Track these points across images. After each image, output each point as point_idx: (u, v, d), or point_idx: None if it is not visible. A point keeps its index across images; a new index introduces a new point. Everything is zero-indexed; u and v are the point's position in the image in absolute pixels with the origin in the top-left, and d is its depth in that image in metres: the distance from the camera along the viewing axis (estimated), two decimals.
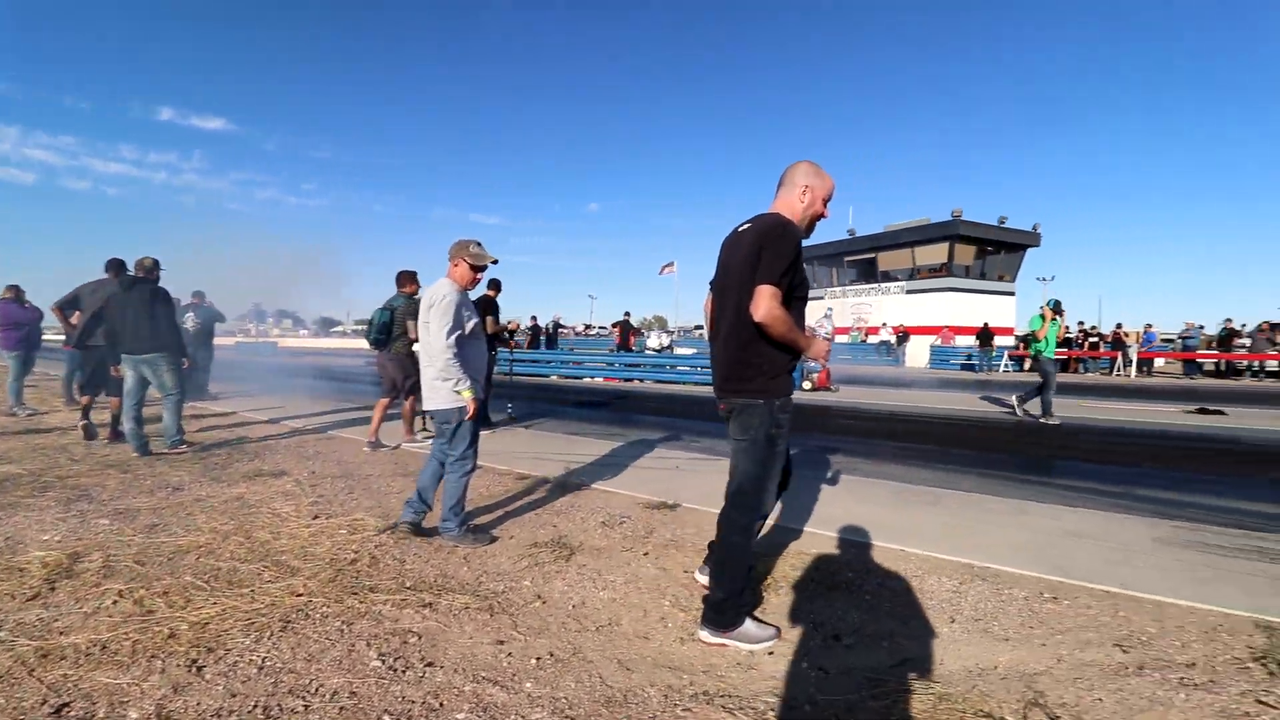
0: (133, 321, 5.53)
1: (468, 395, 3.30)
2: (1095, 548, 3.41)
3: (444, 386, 3.30)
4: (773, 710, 1.95)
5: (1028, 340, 21.84)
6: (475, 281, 3.46)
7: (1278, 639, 2.35)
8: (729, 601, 2.36)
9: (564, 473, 5.06)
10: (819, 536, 3.61)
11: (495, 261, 3.45)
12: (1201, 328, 20.74)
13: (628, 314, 19.08)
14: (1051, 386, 8.28)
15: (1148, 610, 2.64)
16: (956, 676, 2.16)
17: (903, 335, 24.69)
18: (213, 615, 2.53)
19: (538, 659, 2.24)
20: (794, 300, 2.33)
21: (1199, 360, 19.10)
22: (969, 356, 21.25)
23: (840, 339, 29.22)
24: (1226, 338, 18.78)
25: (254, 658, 2.20)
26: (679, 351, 17.19)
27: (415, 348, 5.74)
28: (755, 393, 2.37)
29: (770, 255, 2.22)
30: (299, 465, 5.36)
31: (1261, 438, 7.53)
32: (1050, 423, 8.17)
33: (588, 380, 15.39)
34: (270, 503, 4.18)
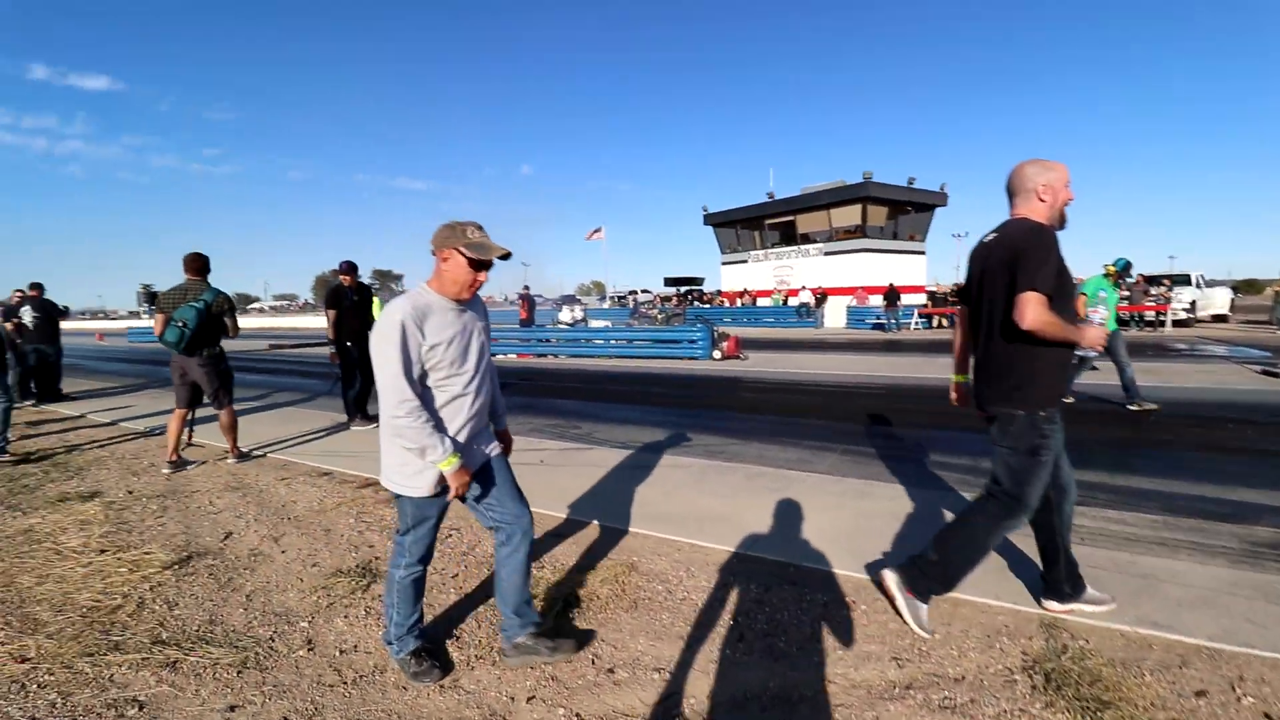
0: None
1: (444, 467, 2.09)
2: (923, 532, 3.34)
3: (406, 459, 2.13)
4: None
5: (935, 298, 22.85)
6: (476, 286, 2.18)
7: (1055, 642, 2.36)
8: (938, 576, 2.49)
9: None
10: (645, 539, 3.50)
11: (506, 256, 2.14)
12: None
13: (526, 287, 19.20)
14: (1127, 364, 6.52)
15: (944, 609, 2.64)
16: (718, 710, 2.07)
17: (821, 296, 25.23)
18: None
19: None
20: (1061, 299, 2.25)
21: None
22: (879, 316, 21.94)
23: (762, 301, 29.69)
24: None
25: None
26: (593, 324, 16.93)
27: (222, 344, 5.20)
28: (1017, 404, 2.35)
29: (1028, 261, 2.19)
30: (120, 482, 4.85)
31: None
32: (1146, 408, 6.44)
33: (500, 357, 14.96)
34: (60, 534, 3.74)
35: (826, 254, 28.09)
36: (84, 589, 3.01)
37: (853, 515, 3.74)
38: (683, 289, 36.37)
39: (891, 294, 20.11)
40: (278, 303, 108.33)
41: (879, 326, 21.93)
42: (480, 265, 2.12)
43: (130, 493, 4.58)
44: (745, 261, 32.53)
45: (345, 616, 2.72)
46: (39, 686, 2.25)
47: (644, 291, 49.73)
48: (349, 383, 6.65)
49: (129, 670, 2.34)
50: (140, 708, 2.12)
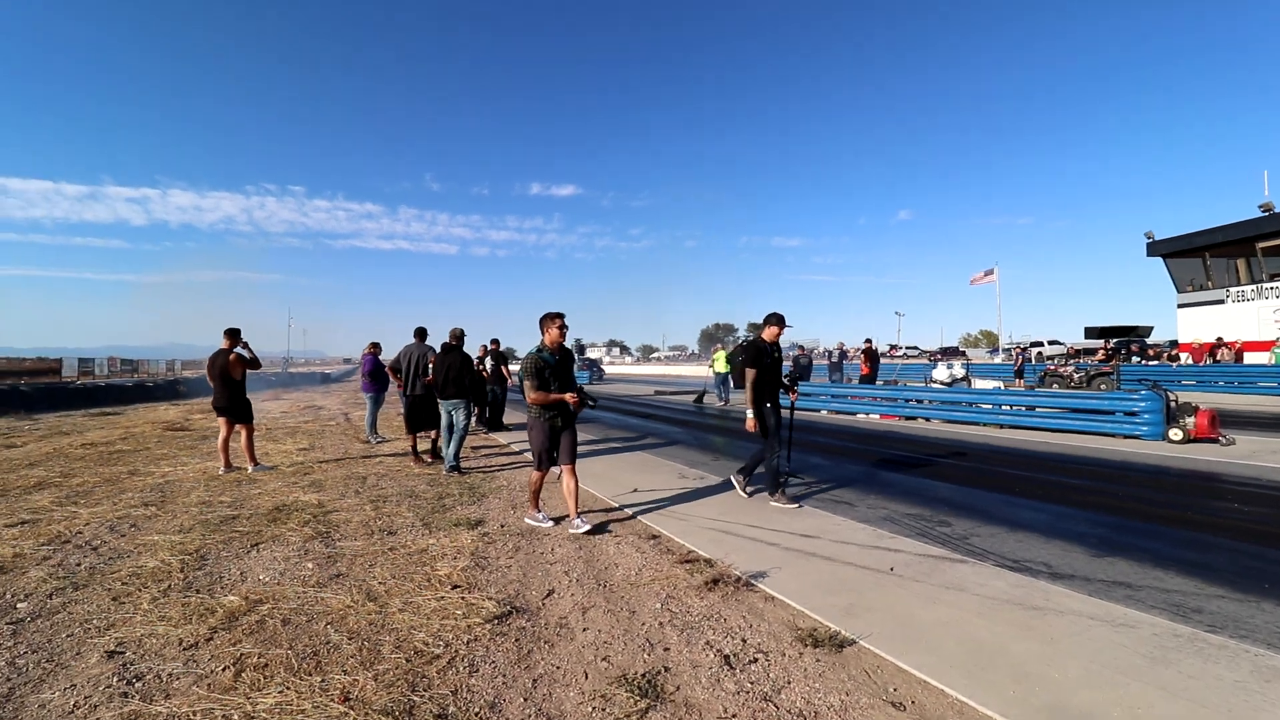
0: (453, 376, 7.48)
1: None
2: None
3: None
4: None
5: None
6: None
7: None
8: None
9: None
10: None
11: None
12: None
13: (869, 340, 17.65)
14: None
15: None
16: None
17: None
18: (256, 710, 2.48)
19: None
20: None
21: None
22: None
23: (1252, 357, 21.00)
24: None
25: None
26: (977, 384, 14.07)
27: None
28: None
29: None
30: (500, 514, 5.55)
31: None
32: None
33: (861, 417, 13.65)
34: (438, 561, 4.30)
35: None
36: (424, 628, 3.24)
37: None
38: (1115, 341, 28.29)
39: None
40: (671, 352, 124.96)
41: None
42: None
43: (503, 526, 5.16)
44: (1222, 302, 23.56)
45: None
46: None
47: (1051, 343, 40.84)
48: (772, 449, 5.67)
49: None
50: None
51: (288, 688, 2.67)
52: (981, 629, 3.13)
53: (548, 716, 2.47)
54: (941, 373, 14.76)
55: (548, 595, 3.69)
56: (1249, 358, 21.17)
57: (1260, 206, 22.23)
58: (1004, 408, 11.52)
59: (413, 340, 8.50)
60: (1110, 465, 7.74)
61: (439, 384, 7.57)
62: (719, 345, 19.91)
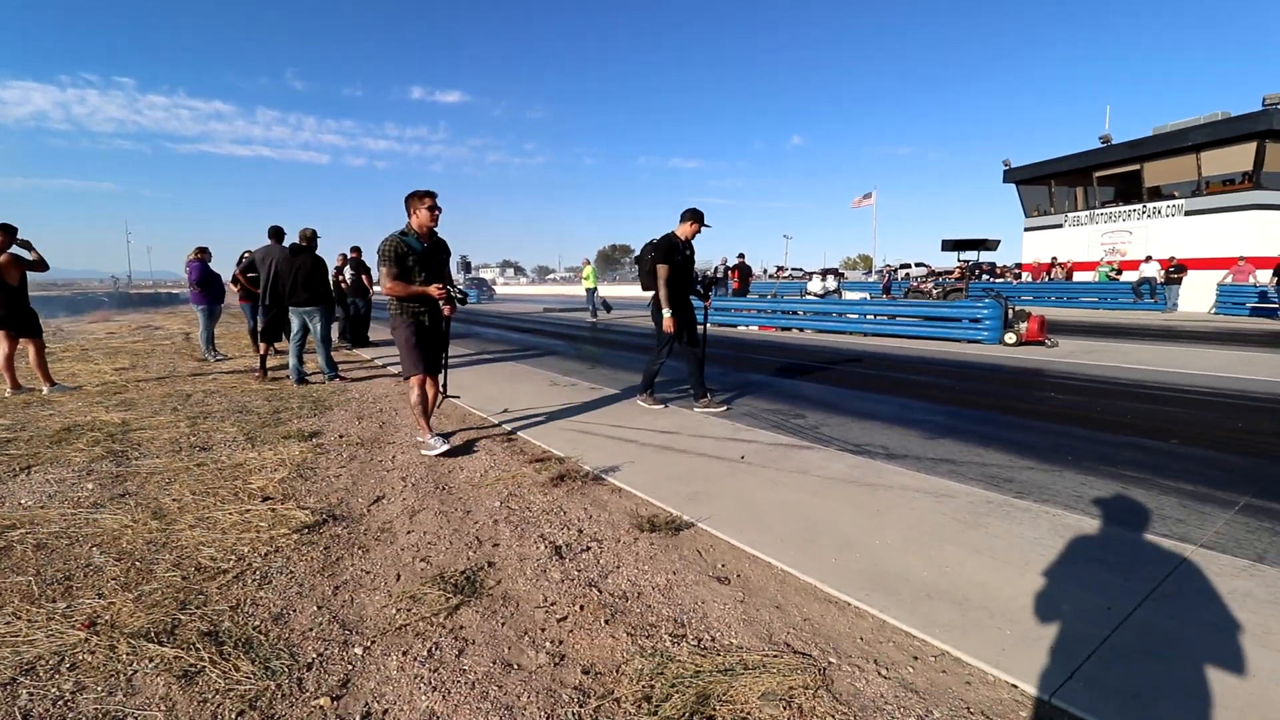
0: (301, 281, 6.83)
1: None
2: None
3: None
4: None
5: None
6: None
7: None
8: None
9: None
10: (847, 616, 2.16)
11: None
12: None
13: (741, 255, 18.04)
14: None
15: None
16: None
17: (1175, 270, 18.89)
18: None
19: None
20: None
21: None
22: (1261, 295, 15.61)
23: (1081, 276, 23.65)
24: None
25: None
26: (847, 296, 14.80)
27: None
28: None
29: None
30: (342, 425, 5.06)
31: None
32: None
33: (741, 329, 13.98)
34: (254, 474, 3.79)
35: (1189, 214, 20.85)
36: (215, 544, 2.82)
37: None
38: (965, 255, 30.54)
39: None
40: (569, 273, 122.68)
41: (1263, 311, 15.60)
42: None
43: (341, 437, 4.69)
44: (1060, 226, 26.04)
45: (405, 653, 2.00)
46: (68, 668, 1.93)
47: (919, 265, 44.01)
48: (661, 354, 5.47)
49: (153, 670, 1.91)
50: None
51: (18, 617, 2.20)
52: (817, 506, 3.17)
53: (342, 623, 2.19)
54: (816, 285, 15.36)
55: (375, 501, 3.36)
56: (1078, 276, 23.80)
57: (1100, 138, 24.39)
58: (869, 318, 12.18)
59: (268, 242, 7.42)
60: (953, 364, 8.37)
61: (288, 288, 6.85)
62: (587, 260, 19.30)
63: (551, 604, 2.28)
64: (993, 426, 4.96)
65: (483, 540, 2.84)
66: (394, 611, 2.25)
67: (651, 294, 5.28)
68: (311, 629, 2.16)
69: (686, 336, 5.40)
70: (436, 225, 4.12)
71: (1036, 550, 2.66)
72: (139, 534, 2.92)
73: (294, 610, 2.27)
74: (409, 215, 4.08)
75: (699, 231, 5.37)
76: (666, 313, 5.18)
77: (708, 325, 6.09)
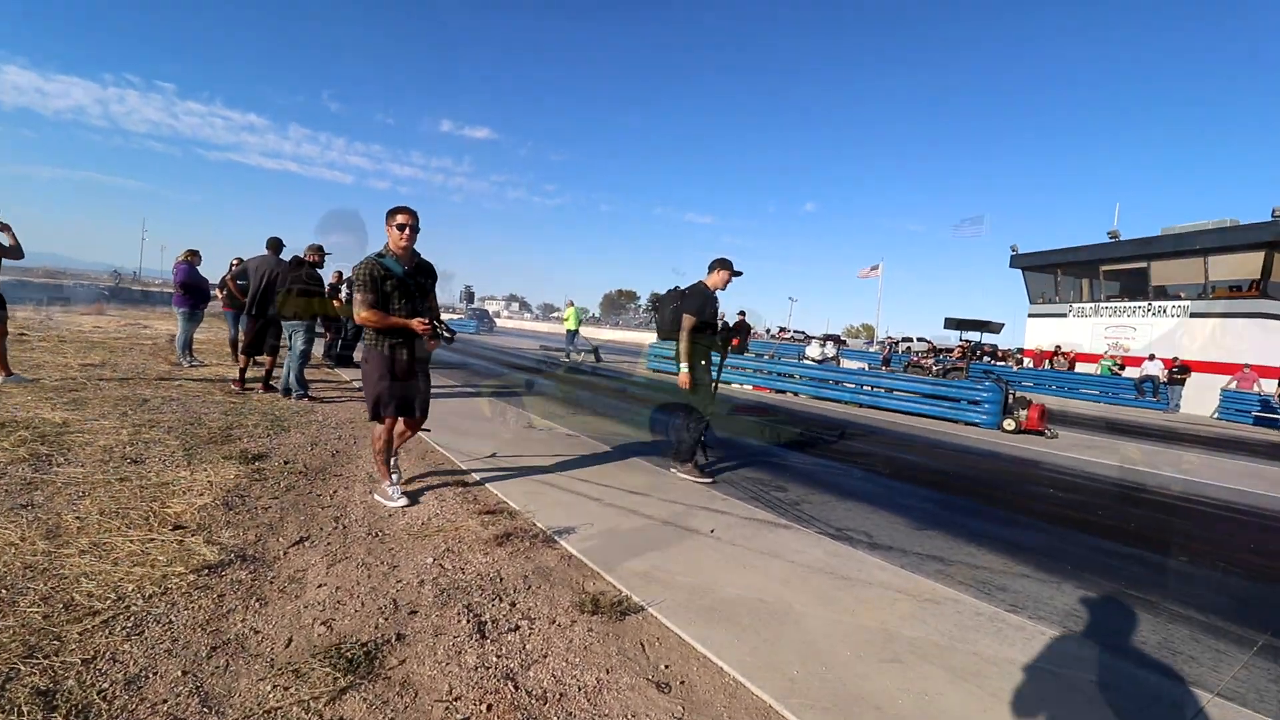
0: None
1: None
2: None
3: None
4: None
5: None
6: None
7: None
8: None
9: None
10: None
11: None
12: None
13: (742, 313, 17.85)
14: None
15: None
16: None
17: (1179, 370, 18.72)
18: None
19: None
20: None
21: None
22: (1264, 404, 15.40)
23: (1083, 367, 23.48)
24: None
25: None
26: (846, 364, 14.57)
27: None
28: None
29: None
30: (291, 450, 4.73)
31: None
32: None
33: (735, 386, 13.70)
34: (176, 497, 3.46)
35: (1194, 315, 20.87)
36: (100, 576, 2.48)
37: None
38: (968, 335, 30.49)
39: None
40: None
41: (1266, 421, 15.33)
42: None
43: (286, 463, 4.36)
44: (1064, 315, 26.07)
45: None
46: None
47: (920, 340, 44.00)
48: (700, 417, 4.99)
49: None
50: None
51: None
52: (786, 599, 2.83)
53: (204, 697, 1.84)
54: (814, 350, 15.17)
55: (296, 543, 3.02)
56: (1080, 367, 23.64)
57: (1108, 233, 24.66)
58: (866, 388, 11.90)
59: (265, 252, 7.24)
60: (948, 446, 8.05)
61: (283, 299, 6.70)
62: (570, 301, 19.26)
63: (456, 699, 1.93)
64: (986, 521, 4.62)
65: (400, 605, 2.50)
66: (269, 688, 1.90)
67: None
68: (165, 701, 1.81)
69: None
70: (411, 246, 3.63)
71: (1031, 684, 2.31)
72: (20, 555, 2.58)
73: (154, 674, 1.93)
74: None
75: (730, 281, 4.91)
76: (683, 367, 4.69)
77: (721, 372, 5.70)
